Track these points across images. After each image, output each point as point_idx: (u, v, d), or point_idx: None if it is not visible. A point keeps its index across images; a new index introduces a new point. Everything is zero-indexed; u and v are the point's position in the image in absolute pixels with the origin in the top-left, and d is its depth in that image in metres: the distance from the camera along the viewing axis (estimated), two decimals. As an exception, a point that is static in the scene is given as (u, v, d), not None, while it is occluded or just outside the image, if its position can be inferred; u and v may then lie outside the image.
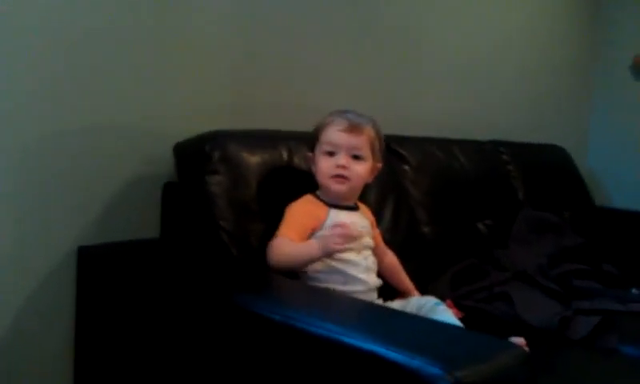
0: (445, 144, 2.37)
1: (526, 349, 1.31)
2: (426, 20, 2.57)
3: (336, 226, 1.47)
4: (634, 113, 3.41)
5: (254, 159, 1.64)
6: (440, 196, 2.21)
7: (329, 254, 1.46)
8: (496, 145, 2.67)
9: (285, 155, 1.71)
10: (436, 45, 2.62)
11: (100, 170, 1.64)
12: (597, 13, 3.53)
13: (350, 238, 1.45)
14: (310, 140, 1.63)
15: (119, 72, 1.64)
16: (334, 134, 1.56)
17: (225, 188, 1.58)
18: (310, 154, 1.62)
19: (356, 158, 1.57)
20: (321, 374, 1.07)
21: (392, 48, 2.42)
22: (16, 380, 1.55)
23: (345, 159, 1.55)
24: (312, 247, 1.46)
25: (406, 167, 2.15)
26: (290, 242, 1.48)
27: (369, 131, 1.59)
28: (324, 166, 1.56)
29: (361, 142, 1.57)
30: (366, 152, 1.58)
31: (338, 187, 1.56)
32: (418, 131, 2.35)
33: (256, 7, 1.95)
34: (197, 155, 1.62)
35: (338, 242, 1.43)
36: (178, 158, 1.67)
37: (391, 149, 2.14)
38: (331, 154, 1.56)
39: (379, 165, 1.65)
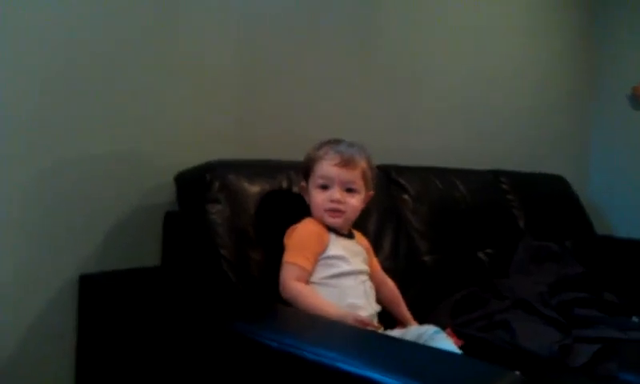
0: (444, 173, 2.39)
1: None
2: (427, 53, 2.61)
3: (361, 321, 1.44)
4: (634, 142, 3.43)
5: (253, 188, 1.66)
6: (440, 225, 2.22)
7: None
8: (496, 174, 2.68)
9: (284, 185, 1.73)
10: (436, 76, 2.65)
11: (101, 199, 1.65)
12: (595, 44, 3.57)
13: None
14: (302, 169, 1.64)
15: (121, 101, 1.67)
16: (328, 169, 1.57)
17: (225, 217, 1.59)
18: (304, 184, 1.64)
19: (349, 190, 1.59)
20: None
21: (392, 79, 2.46)
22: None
23: (339, 193, 1.57)
24: (331, 310, 1.44)
25: (406, 196, 2.17)
26: (312, 293, 1.47)
27: (362, 163, 1.61)
28: (318, 200, 1.58)
29: (354, 176, 1.59)
30: (359, 184, 1.60)
31: (332, 221, 1.58)
32: (419, 161, 2.36)
33: (258, 39, 1.98)
34: (197, 184, 1.63)
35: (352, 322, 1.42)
36: (179, 188, 1.68)
37: (391, 178, 2.16)
38: (325, 187, 1.58)
39: (371, 192, 1.67)
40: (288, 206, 1.68)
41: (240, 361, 1.21)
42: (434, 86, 2.65)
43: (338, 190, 1.57)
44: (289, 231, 1.57)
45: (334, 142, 1.62)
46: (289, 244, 1.54)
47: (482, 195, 2.47)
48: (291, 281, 1.48)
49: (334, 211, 1.57)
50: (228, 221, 1.59)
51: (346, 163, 1.57)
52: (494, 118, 2.96)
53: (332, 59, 2.23)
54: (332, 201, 1.56)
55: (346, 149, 1.60)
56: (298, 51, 2.11)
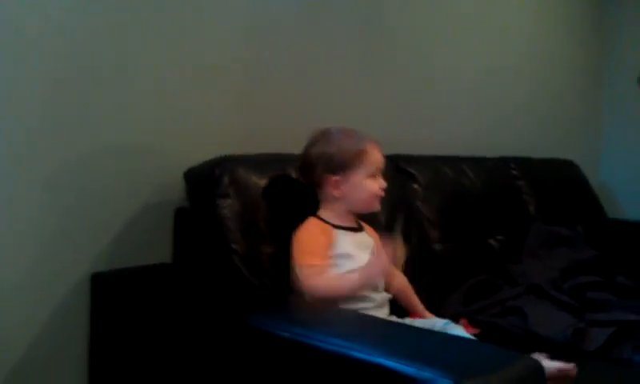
0: (454, 161, 2.38)
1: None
2: (437, 42, 2.59)
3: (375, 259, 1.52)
4: (644, 124, 3.41)
5: (263, 182, 1.66)
6: (450, 213, 2.21)
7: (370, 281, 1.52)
8: (506, 161, 2.67)
9: (293, 176, 1.72)
10: (446, 64, 2.64)
11: (112, 196, 1.66)
12: (605, 29, 3.54)
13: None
14: (338, 163, 1.61)
15: (129, 100, 1.68)
16: (380, 158, 1.63)
17: (235, 211, 1.60)
18: (336, 178, 1.60)
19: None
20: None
21: (401, 69, 2.45)
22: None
23: (383, 181, 1.64)
24: (353, 279, 1.50)
25: (416, 186, 2.16)
26: (337, 277, 1.50)
27: None
28: (375, 189, 1.62)
29: None
30: None
31: (378, 206, 1.66)
32: (428, 150, 2.36)
33: (266, 33, 1.98)
34: (207, 180, 1.64)
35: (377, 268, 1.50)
36: (189, 184, 1.69)
37: (401, 168, 2.15)
38: (373, 175, 1.62)
39: None
40: (297, 203, 1.67)
41: (255, 354, 1.22)
42: (443, 74, 2.63)
43: (380, 177, 1.64)
44: (296, 234, 1.57)
45: (357, 131, 1.65)
46: (298, 249, 1.54)
47: (493, 182, 2.46)
48: (320, 281, 1.47)
49: (380, 198, 1.63)
50: (238, 215, 1.60)
51: (380, 150, 1.64)
52: (504, 104, 2.94)
53: (340, 50, 2.22)
54: (383, 188, 1.63)
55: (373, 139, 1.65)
56: (306, 43, 2.10)
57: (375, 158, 1.62)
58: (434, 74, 2.60)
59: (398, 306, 1.66)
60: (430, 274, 1.96)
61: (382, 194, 1.63)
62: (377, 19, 2.36)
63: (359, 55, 2.30)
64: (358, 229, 1.65)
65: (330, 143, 1.62)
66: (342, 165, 1.60)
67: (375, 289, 1.57)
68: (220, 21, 1.87)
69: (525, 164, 2.73)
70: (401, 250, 1.58)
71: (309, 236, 1.56)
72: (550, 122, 3.24)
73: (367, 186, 1.61)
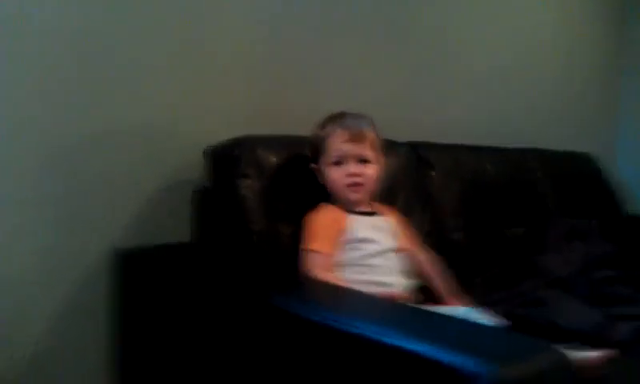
0: (473, 151, 2.36)
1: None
2: (455, 28, 2.56)
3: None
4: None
5: (282, 162, 1.65)
6: (468, 203, 2.19)
7: None
8: (524, 152, 2.64)
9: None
10: (464, 53, 2.61)
11: (133, 175, 1.66)
12: (623, 20, 3.49)
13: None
14: (311, 151, 1.62)
15: (149, 81, 1.67)
16: (339, 146, 1.56)
17: (255, 191, 1.59)
18: (315, 166, 1.61)
19: (363, 161, 1.58)
20: (361, 375, 1.05)
21: (420, 55, 2.42)
22: (53, 380, 1.56)
23: (354, 167, 1.56)
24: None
25: (434, 174, 2.14)
26: (334, 279, 1.46)
27: (370, 134, 1.59)
28: (336, 177, 1.57)
29: (365, 148, 1.58)
30: (371, 155, 1.59)
31: (355, 196, 1.57)
32: (446, 138, 2.33)
33: (283, 13, 1.96)
34: (227, 160, 1.63)
35: None
36: (209, 163, 1.67)
37: (420, 155, 2.13)
38: (339, 163, 1.56)
39: (382, 159, 1.65)
40: (316, 183, 1.65)
41: (279, 335, 1.20)
42: (464, 63, 2.60)
43: (353, 163, 1.56)
44: (305, 219, 1.56)
45: (338, 117, 1.61)
46: (306, 231, 1.53)
47: (511, 173, 2.44)
48: (314, 269, 1.46)
49: (355, 185, 1.56)
50: (258, 195, 1.59)
51: (356, 137, 1.56)
52: (523, 96, 2.91)
53: (360, 35, 2.19)
54: (349, 175, 1.55)
55: (351, 122, 1.58)
56: (326, 26, 2.08)
57: (335, 144, 1.56)
58: (455, 61, 2.57)
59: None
60: (448, 262, 1.93)
61: (349, 180, 1.56)
62: (400, 5, 2.33)
63: (381, 38, 2.27)
64: (373, 212, 1.63)
65: (315, 129, 1.62)
66: (315, 152, 1.61)
67: (395, 274, 1.55)
68: (238, 3, 1.84)
69: (543, 156, 2.71)
70: None
71: (317, 222, 1.54)
72: (568, 114, 3.21)
73: (330, 174, 1.57)
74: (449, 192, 2.14)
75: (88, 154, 1.57)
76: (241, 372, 1.27)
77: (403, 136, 2.04)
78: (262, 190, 1.59)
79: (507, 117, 2.83)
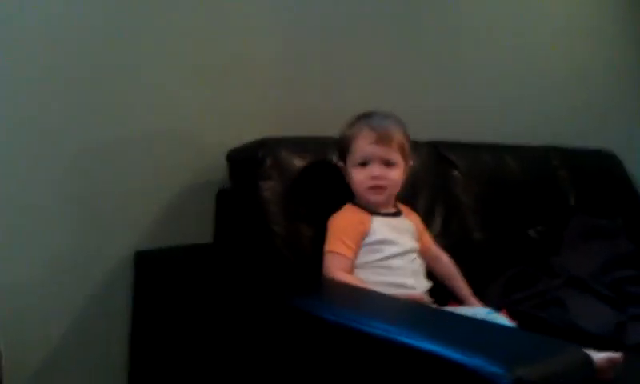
0: (495, 149, 2.35)
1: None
2: (477, 25, 2.56)
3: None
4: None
5: (304, 164, 1.67)
6: (490, 202, 2.19)
7: None
8: (546, 150, 2.63)
9: (334, 160, 1.72)
10: (486, 49, 2.60)
11: (156, 177, 1.69)
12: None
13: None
14: (338, 149, 1.64)
15: (174, 82, 1.70)
16: (365, 147, 1.56)
17: (277, 193, 1.61)
18: (342, 164, 1.63)
19: (388, 164, 1.57)
20: (378, 375, 1.08)
21: (442, 54, 2.42)
22: (74, 377, 1.60)
23: (378, 169, 1.56)
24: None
25: (456, 173, 2.15)
26: (353, 280, 1.48)
27: (398, 136, 1.59)
28: (359, 179, 1.57)
29: (391, 150, 1.57)
30: (397, 158, 1.59)
31: (376, 198, 1.58)
32: (468, 137, 2.33)
33: (303, 14, 1.98)
34: (249, 162, 1.65)
35: None
36: (232, 165, 1.70)
37: (441, 154, 2.14)
38: (364, 164, 1.57)
39: (410, 162, 1.65)
40: (339, 185, 1.67)
41: (298, 336, 1.22)
42: (483, 61, 2.60)
43: (377, 166, 1.56)
44: (330, 220, 1.57)
45: (367, 117, 1.61)
46: (329, 232, 1.55)
47: (533, 172, 2.43)
48: (336, 271, 1.48)
49: (377, 188, 1.56)
50: (280, 197, 1.61)
51: (382, 139, 1.56)
52: (545, 91, 2.90)
53: (381, 35, 2.20)
54: (373, 177, 1.56)
55: (379, 123, 1.58)
56: (346, 28, 2.09)
57: (360, 146, 1.56)
58: (475, 60, 2.56)
59: (439, 293, 1.65)
60: (469, 262, 1.94)
61: (372, 182, 1.56)
62: (418, 5, 2.33)
63: (403, 39, 2.28)
64: (396, 213, 1.64)
65: (344, 127, 1.63)
66: (341, 151, 1.62)
67: (415, 276, 1.56)
68: (260, 6, 1.87)
69: (565, 154, 2.69)
70: None
71: (341, 223, 1.56)
72: (589, 112, 3.18)
73: (354, 174, 1.58)
74: (470, 191, 2.14)
75: (111, 156, 1.60)
76: (259, 373, 1.29)
77: (424, 135, 2.05)
78: (284, 191, 1.61)
79: (528, 114, 2.81)
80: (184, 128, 1.73)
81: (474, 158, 2.24)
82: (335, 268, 1.48)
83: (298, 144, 1.72)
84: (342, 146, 1.61)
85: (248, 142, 1.70)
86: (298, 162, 1.66)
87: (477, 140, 2.36)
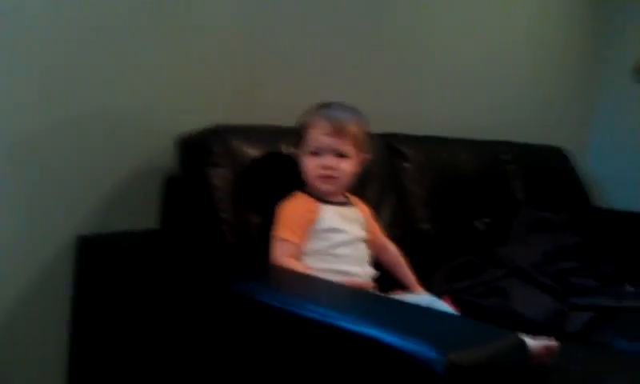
0: (446, 143, 2.40)
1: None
2: (431, 22, 2.59)
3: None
4: (635, 115, 3.43)
5: (256, 154, 1.67)
6: (440, 194, 2.23)
7: None
8: (496, 145, 2.69)
9: (285, 150, 1.73)
10: (440, 46, 2.63)
11: (100, 160, 1.65)
12: (599, 16, 3.54)
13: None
14: (296, 136, 1.64)
15: (121, 66, 1.66)
16: (318, 137, 1.57)
17: (227, 181, 1.60)
18: (296, 151, 1.64)
19: (341, 155, 1.59)
20: (318, 359, 1.09)
21: (396, 47, 2.44)
22: (13, 367, 1.57)
23: (330, 160, 1.57)
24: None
25: (407, 165, 2.18)
26: (301, 267, 1.50)
27: (353, 129, 1.59)
28: (310, 167, 1.59)
29: (345, 143, 1.58)
30: (350, 150, 1.59)
31: (325, 187, 1.59)
32: (420, 130, 2.37)
33: (260, 2, 1.97)
34: (199, 149, 1.64)
35: None
36: (180, 152, 1.68)
37: (392, 147, 2.17)
38: (316, 154, 1.58)
39: (366, 156, 1.67)
40: (289, 175, 1.67)
41: (240, 321, 1.23)
42: (439, 56, 2.63)
43: (329, 156, 1.57)
44: (279, 206, 1.58)
45: (326, 107, 1.62)
46: (278, 219, 1.56)
47: (483, 165, 2.49)
48: (282, 257, 1.50)
49: (326, 178, 1.58)
50: (230, 185, 1.60)
51: (336, 131, 1.57)
52: (497, 88, 2.95)
53: (338, 25, 2.21)
54: (324, 167, 1.57)
55: (336, 115, 1.59)
56: (303, 14, 2.09)
57: (314, 135, 1.58)
58: (430, 56, 2.60)
59: (384, 281, 1.67)
60: (417, 253, 1.97)
61: (323, 172, 1.57)
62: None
63: (359, 30, 2.29)
64: (346, 203, 1.66)
65: (302, 116, 1.64)
66: (296, 140, 1.63)
67: (360, 264, 1.59)
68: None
69: (515, 149, 2.76)
70: None
71: (289, 210, 1.57)
72: (542, 108, 3.26)
73: (306, 162, 1.60)
74: (420, 183, 2.18)
75: (52, 138, 1.55)
76: (204, 359, 1.30)
77: (378, 127, 2.06)
78: (234, 180, 1.60)
79: (482, 111, 2.87)
80: (133, 112, 1.69)
81: (425, 150, 2.27)
82: (282, 254, 1.50)
83: (250, 133, 1.72)
84: (299, 132, 1.63)
85: (198, 129, 1.68)
86: (249, 151, 1.66)
87: (432, 134, 2.39)
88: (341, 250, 1.56)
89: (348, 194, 1.69)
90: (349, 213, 1.64)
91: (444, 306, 1.52)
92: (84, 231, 1.62)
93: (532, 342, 1.34)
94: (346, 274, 1.52)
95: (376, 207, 1.88)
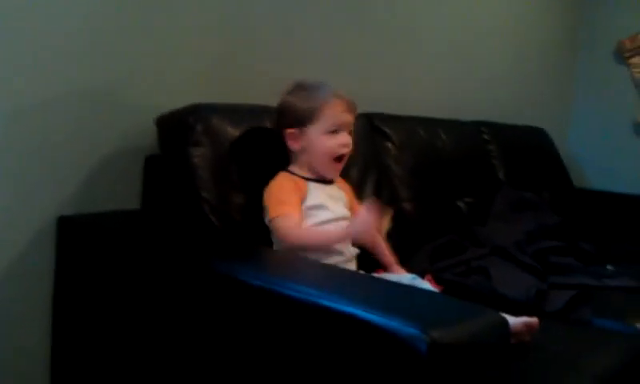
0: (428, 123, 2.39)
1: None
2: (413, 3, 2.57)
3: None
4: (615, 97, 3.46)
5: (237, 132, 1.65)
6: (422, 174, 2.23)
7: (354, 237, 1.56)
8: (478, 125, 2.70)
9: (266, 128, 1.71)
10: (422, 26, 2.63)
11: (81, 141, 1.62)
12: (579, -2, 3.56)
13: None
14: (298, 116, 1.60)
15: (100, 45, 1.63)
16: (341, 115, 1.58)
17: (208, 160, 1.59)
18: (293, 131, 1.60)
19: (350, 132, 1.62)
20: (301, 338, 1.09)
21: (379, 27, 2.43)
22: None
23: (347, 137, 1.60)
24: (332, 234, 1.55)
25: (389, 145, 2.18)
26: (313, 230, 1.53)
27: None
28: (329, 145, 1.57)
29: (353, 119, 1.63)
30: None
31: (338, 167, 1.62)
32: (402, 110, 2.36)
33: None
34: (180, 127, 1.62)
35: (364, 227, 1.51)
36: (161, 130, 1.67)
37: (375, 126, 2.16)
38: (334, 131, 1.58)
39: None
40: (271, 154, 1.66)
41: (222, 301, 1.22)
42: (421, 37, 2.63)
43: (347, 134, 1.60)
44: (266, 189, 1.57)
45: (326, 86, 1.61)
46: (270, 202, 1.54)
47: (464, 145, 2.49)
48: (295, 229, 1.49)
49: (342, 157, 1.60)
50: (210, 164, 1.59)
51: (352, 108, 1.61)
52: (479, 69, 2.96)
53: (321, 6, 2.19)
54: (343, 145, 1.58)
55: (339, 92, 1.61)
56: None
57: (333, 113, 1.57)
58: (413, 36, 2.59)
59: (366, 261, 1.67)
60: (399, 232, 1.97)
61: (342, 150, 1.59)
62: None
63: (340, 9, 2.27)
64: (330, 182, 1.65)
65: (292, 95, 1.62)
66: (298, 118, 1.59)
67: (345, 242, 1.58)
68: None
69: (496, 129, 2.76)
70: (387, 220, 1.59)
71: (280, 188, 1.56)
72: (523, 89, 3.27)
73: (322, 141, 1.58)
74: (402, 162, 2.18)
75: (34, 120, 1.53)
76: (186, 339, 1.29)
77: (360, 107, 2.05)
78: (214, 158, 1.59)
79: (464, 91, 2.87)
80: (112, 89, 1.67)
81: (407, 130, 2.27)
82: (292, 227, 1.49)
83: (230, 111, 1.70)
84: (302, 112, 1.58)
85: (179, 108, 1.66)
86: (230, 129, 1.64)
87: (412, 113, 2.39)
88: (326, 228, 1.55)
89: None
90: (333, 192, 1.64)
91: (425, 284, 1.52)
92: (65, 211, 1.60)
93: (513, 320, 1.35)
94: (330, 251, 1.52)
95: (358, 186, 1.88)
